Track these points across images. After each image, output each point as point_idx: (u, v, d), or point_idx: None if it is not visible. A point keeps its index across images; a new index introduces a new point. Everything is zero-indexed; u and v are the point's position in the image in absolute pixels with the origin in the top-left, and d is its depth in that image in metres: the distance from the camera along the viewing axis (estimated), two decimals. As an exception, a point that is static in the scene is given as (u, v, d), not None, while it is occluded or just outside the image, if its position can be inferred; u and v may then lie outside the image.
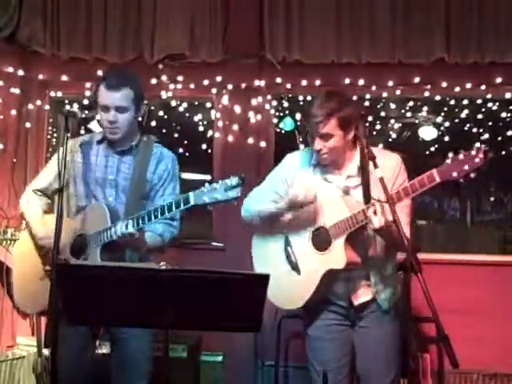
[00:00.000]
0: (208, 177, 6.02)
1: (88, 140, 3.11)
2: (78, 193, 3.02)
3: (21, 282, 3.08)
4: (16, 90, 4.56)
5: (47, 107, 4.71)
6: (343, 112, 2.77)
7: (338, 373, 2.90)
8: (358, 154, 2.89)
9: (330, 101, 2.80)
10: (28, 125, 4.63)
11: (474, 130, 5.80)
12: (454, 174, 2.47)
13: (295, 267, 2.94)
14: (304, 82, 4.50)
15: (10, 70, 4.52)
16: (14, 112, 4.57)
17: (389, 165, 2.79)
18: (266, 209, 2.96)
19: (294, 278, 2.93)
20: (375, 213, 2.59)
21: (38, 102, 4.63)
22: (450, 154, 2.52)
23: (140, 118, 3.11)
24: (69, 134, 2.76)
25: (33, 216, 3.06)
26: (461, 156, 2.48)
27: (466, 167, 2.46)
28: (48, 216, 3.08)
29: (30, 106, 4.63)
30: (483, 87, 4.42)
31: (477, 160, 2.46)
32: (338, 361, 2.91)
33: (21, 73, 4.57)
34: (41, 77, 4.61)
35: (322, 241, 2.84)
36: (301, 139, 5.48)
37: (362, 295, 2.89)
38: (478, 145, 2.51)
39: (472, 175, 2.48)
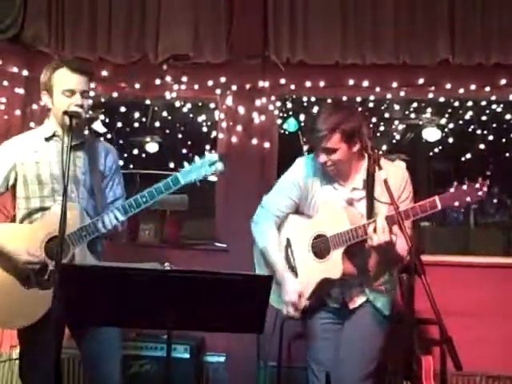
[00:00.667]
0: (212, 178, 6.03)
1: (32, 138, 3.02)
2: (30, 194, 2.92)
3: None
4: (20, 90, 4.57)
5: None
6: (347, 125, 2.78)
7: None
8: (366, 164, 2.91)
9: (334, 115, 2.82)
10: (32, 125, 4.61)
11: (478, 131, 5.81)
12: (456, 204, 2.56)
13: (293, 269, 2.99)
14: (308, 83, 4.49)
15: (15, 70, 4.52)
16: (18, 112, 4.57)
17: (394, 178, 2.79)
18: (270, 255, 3.00)
19: None
20: (375, 230, 2.64)
21: (43, 103, 4.62)
22: (455, 183, 2.58)
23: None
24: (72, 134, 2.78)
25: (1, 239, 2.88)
26: (464, 187, 2.55)
27: (468, 199, 2.54)
28: (2, 229, 2.94)
29: (35, 106, 4.62)
30: (487, 89, 4.41)
31: (479, 193, 2.54)
32: (334, 360, 2.95)
33: (25, 73, 4.57)
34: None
35: (321, 248, 2.91)
36: (304, 140, 5.48)
37: (358, 300, 2.96)
38: (480, 179, 2.58)
39: (474, 206, 2.55)
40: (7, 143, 3.09)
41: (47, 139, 2.97)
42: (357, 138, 2.82)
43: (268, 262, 3.03)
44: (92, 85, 4.47)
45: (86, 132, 3.11)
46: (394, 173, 2.83)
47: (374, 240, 2.64)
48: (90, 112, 3.01)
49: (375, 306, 2.94)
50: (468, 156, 6.98)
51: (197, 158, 2.65)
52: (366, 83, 4.44)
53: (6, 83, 4.48)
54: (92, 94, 4.41)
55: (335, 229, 2.83)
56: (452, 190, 2.56)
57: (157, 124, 6.45)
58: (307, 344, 3.09)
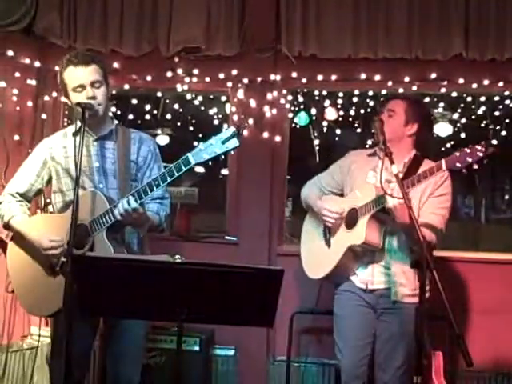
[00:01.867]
0: (224, 171, 6.03)
1: (62, 135, 3.10)
2: (64, 188, 3.00)
3: (24, 290, 3.03)
4: (32, 82, 4.57)
5: (63, 99, 4.72)
6: (414, 105, 3.30)
7: (359, 351, 3.24)
8: (412, 156, 3.28)
9: (411, 95, 3.60)
10: (44, 116, 4.64)
11: (491, 127, 5.76)
12: (458, 165, 2.73)
13: (328, 241, 3.40)
14: (320, 77, 4.47)
15: (27, 61, 4.52)
16: (30, 103, 4.58)
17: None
18: (308, 199, 3.51)
19: (324, 249, 3.40)
20: (391, 195, 2.92)
21: (54, 94, 4.64)
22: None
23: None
24: (85, 126, 2.79)
25: (26, 227, 2.98)
26: (467, 149, 2.72)
27: (469, 159, 2.70)
28: (33, 220, 3.06)
29: (46, 98, 4.64)
30: (501, 84, 4.37)
31: (479, 154, 2.69)
32: (359, 340, 3.24)
33: (37, 64, 4.58)
34: (57, 68, 4.61)
35: (352, 220, 3.22)
36: (315, 134, 5.47)
37: (377, 283, 3.21)
38: (483, 143, 2.73)
39: (475, 166, 2.74)
40: (42, 141, 3.17)
41: (74, 134, 3.00)
42: (416, 125, 3.26)
43: (309, 206, 3.52)
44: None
45: (115, 122, 3.09)
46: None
47: (389, 202, 2.95)
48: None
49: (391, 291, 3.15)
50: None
51: (214, 136, 2.58)
52: (378, 77, 4.41)
53: (18, 74, 4.48)
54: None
55: (365, 201, 3.13)
56: (457, 153, 2.74)
57: (168, 116, 6.44)
58: (335, 321, 3.35)
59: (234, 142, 2.53)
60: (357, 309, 3.24)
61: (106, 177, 2.97)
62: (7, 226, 3.05)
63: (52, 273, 2.91)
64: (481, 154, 2.67)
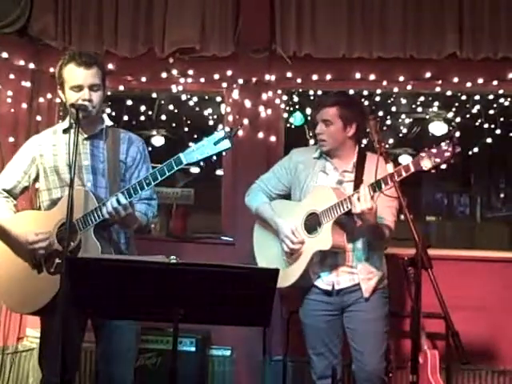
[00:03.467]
0: (219, 172, 6.03)
1: (52, 132, 3.09)
2: (51, 185, 2.99)
3: (7, 287, 2.98)
4: (27, 84, 4.57)
5: (58, 100, 4.71)
6: (347, 107, 3.21)
7: (328, 356, 3.27)
8: (357, 154, 3.27)
9: (341, 96, 3.34)
10: (39, 118, 4.63)
11: (486, 125, 5.78)
12: (425, 167, 2.70)
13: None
14: (315, 77, 4.48)
15: (22, 63, 4.52)
16: (24, 105, 4.58)
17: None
18: (263, 213, 3.40)
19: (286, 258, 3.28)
20: (358, 199, 2.89)
21: (49, 96, 4.64)
22: (426, 149, 2.74)
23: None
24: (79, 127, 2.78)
25: (11, 224, 2.95)
26: (433, 150, 2.69)
27: (438, 160, 2.68)
28: (18, 217, 3.02)
29: (41, 100, 4.63)
30: (495, 83, 4.38)
31: (447, 154, 2.67)
32: (325, 346, 3.27)
33: (32, 66, 4.58)
34: (52, 70, 4.57)
35: (312, 225, 3.17)
36: (310, 134, 5.47)
37: (343, 282, 3.21)
38: (447, 141, 2.71)
39: (443, 166, 2.78)
40: (31, 138, 3.16)
41: (65, 131, 3.01)
42: (354, 124, 3.21)
43: (264, 219, 3.41)
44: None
45: (109, 123, 3.08)
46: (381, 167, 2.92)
47: (357, 207, 2.89)
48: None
49: (360, 289, 3.19)
50: (475, 150, 6.96)
51: (206, 137, 2.60)
52: (372, 77, 4.42)
53: (12, 76, 4.48)
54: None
55: (325, 206, 3.09)
56: (422, 154, 2.71)
57: (163, 117, 6.46)
58: (303, 330, 3.37)
59: (226, 144, 2.55)
60: (321, 318, 3.26)
61: (95, 175, 2.96)
62: None
63: (36, 270, 2.88)
64: (448, 155, 2.66)
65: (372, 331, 3.20)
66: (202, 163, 2.69)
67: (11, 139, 4.47)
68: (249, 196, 3.53)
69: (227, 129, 2.62)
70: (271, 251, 3.36)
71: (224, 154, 2.75)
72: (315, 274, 3.23)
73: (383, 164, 2.82)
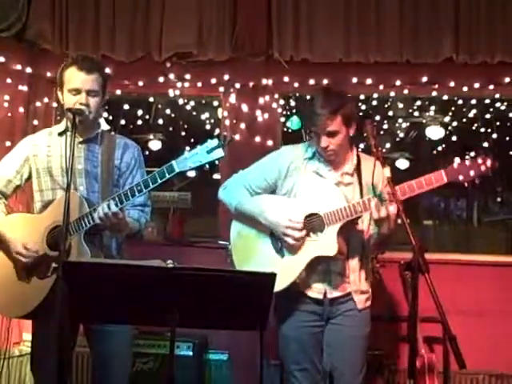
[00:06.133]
0: (216, 175, 6.03)
1: (48, 133, 3.08)
2: (43, 187, 2.98)
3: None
4: (24, 88, 4.57)
5: (55, 105, 4.71)
6: (346, 108, 2.88)
7: (313, 372, 3.00)
8: (355, 155, 3.01)
9: (332, 98, 2.88)
10: (35, 122, 4.63)
11: (482, 129, 5.79)
12: (461, 178, 2.60)
13: (280, 251, 2.98)
14: (311, 81, 4.48)
15: (18, 67, 4.52)
16: (21, 109, 4.57)
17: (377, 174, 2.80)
18: (248, 209, 3.05)
19: (277, 261, 2.96)
20: (376, 206, 2.69)
21: (46, 100, 4.64)
22: (457, 159, 2.63)
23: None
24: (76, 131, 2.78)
25: (2, 226, 2.94)
26: (467, 162, 2.60)
27: (472, 173, 2.59)
28: (10, 219, 3.00)
29: (38, 104, 4.63)
30: (491, 87, 4.40)
31: (482, 168, 2.59)
32: (311, 360, 3.00)
33: (29, 70, 4.58)
34: (49, 74, 4.61)
35: (313, 227, 2.90)
36: (307, 138, 5.47)
37: (336, 291, 2.96)
38: (482, 154, 2.64)
39: (477, 181, 2.62)
40: (25, 138, 3.15)
41: (60, 134, 3.02)
42: (354, 122, 2.92)
43: (246, 216, 3.06)
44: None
45: (106, 127, 3.08)
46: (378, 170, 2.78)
47: (382, 211, 2.66)
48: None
49: (354, 299, 2.97)
50: (472, 154, 6.97)
51: (199, 146, 2.60)
52: (369, 81, 4.43)
53: (9, 80, 4.48)
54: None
55: (330, 207, 2.84)
56: (455, 165, 2.61)
57: (160, 121, 6.45)
58: (283, 343, 3.09)
59: (219, 152, 2.55)
60: (307, 330, 2.98)
61: (89, 179, 2.96)
62: None
63: (26, 273, 2.87)
64: (484, 169, 2.58)
65: (358, 350, 2.98)
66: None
67: (8, 143, 4.46)
68: (225, 189, 3.19)
69: (218, 138, 2.60)
70: (260, 255, 3.02)
71: (217, 162, 2.74)
72: (305, 281, 2.95)
73: (380, 167, 2.70)
